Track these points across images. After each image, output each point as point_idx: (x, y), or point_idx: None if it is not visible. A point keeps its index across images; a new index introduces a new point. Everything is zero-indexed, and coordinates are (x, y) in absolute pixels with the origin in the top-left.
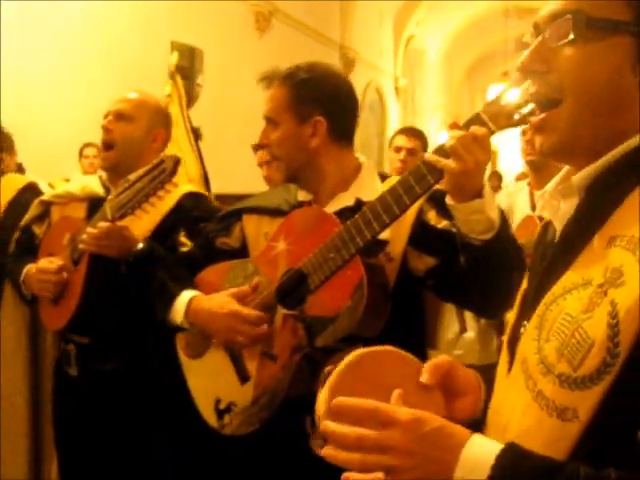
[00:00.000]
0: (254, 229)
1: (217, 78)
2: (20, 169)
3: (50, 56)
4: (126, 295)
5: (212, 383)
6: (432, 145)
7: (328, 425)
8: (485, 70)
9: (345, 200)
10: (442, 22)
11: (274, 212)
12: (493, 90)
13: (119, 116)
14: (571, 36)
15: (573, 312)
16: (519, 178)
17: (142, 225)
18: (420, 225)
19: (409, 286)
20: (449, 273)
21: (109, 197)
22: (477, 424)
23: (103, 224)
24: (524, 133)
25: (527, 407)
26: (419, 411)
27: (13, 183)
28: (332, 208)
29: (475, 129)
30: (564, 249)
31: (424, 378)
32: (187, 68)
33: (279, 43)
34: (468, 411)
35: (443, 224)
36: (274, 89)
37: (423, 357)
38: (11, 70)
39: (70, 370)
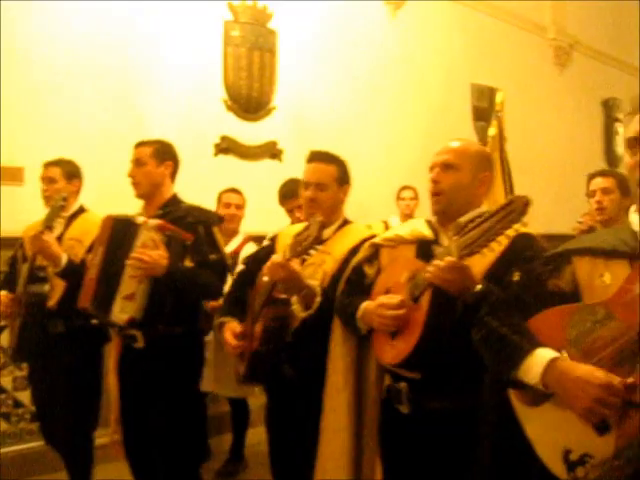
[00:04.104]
0: (587, 271)
1: (518, 117)
2: None
3: (359, 105)
4: (461, 333)
5: (559, 433)
6: None
7: None
8: None
9: None
10: None
11: (610, 253)
12: None
13: (445, 166)
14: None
15: None
16: None
17: (477, 265)
18: None
19: None
20: None
21: (452, 237)
22: None
23: (450, 258)
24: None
25: None
26: None
27: (359, 232)
28: None
29: None
30: None
31: None
32: (486, 109)
33: (581, 76)
34: None
35: None
36: None
37: None
38: (333, 121)
39: (401, 408)
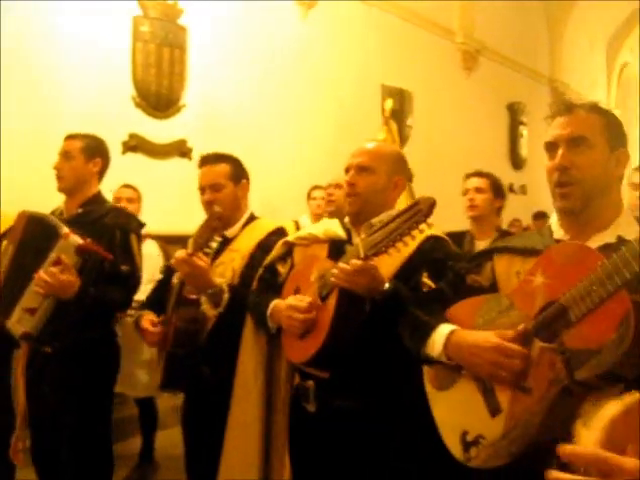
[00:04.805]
0: (505, 268)
1: (426, 118)
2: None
3: (271, 104)
4: (368, 332)
5: (459, 415)
6: None
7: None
8: None
9: (606, 238)
10: None
11: (527, 252)
12: None
13: (361, 169)
14: None
15: None
16: None
17: (386, 266)
18: None
19: None
20: None
21: (361, 236)
22: None
23: (356, 261)
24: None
25: None
26: None
27: (265, 226)
28: (592, 245)
29: None
30: None
31: None
32: (397, 110)
33: (487, 80)
34: None
35: None
36: (581, 114)
37: None
38: (243, 120)
39: (308, 406)
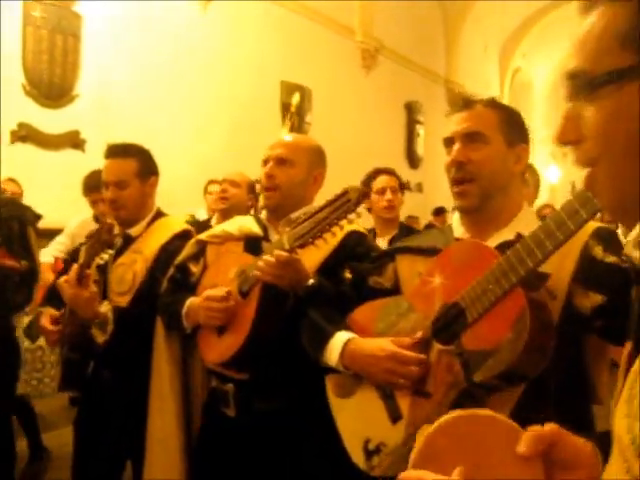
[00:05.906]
0: (408, 269)
1: (326, 115)
2: None
3: (167, 98)
4: (292, 329)
5: (362, 423)
6: (542, 179)
7: None
8: None
9: (505, 235)
10: (550, 52)
11: (429, 251)
12: None
13: (280, 161)
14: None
15: None
16: None
17: (310, 259)
18: (586, 260)
19: (573, 328)
20: (618, 312)
21: (285, 229)
22: None
23: (281, 253)
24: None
25: None
26: None
27: (170, 226)
28: (492, 243)
29: None
30: None
31: (521, 448)
32: (296, 106)
33: (386, 79)
34: None
35: (611, 259)
36: (478, 110)
37: (586, 411)
38: (138, 112)
39: (228, 411)
